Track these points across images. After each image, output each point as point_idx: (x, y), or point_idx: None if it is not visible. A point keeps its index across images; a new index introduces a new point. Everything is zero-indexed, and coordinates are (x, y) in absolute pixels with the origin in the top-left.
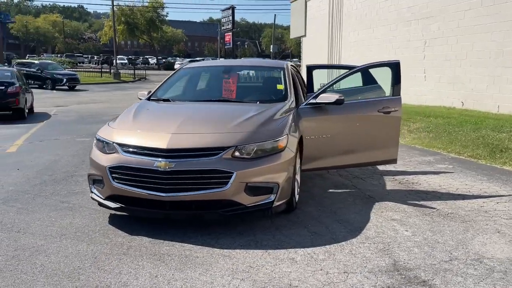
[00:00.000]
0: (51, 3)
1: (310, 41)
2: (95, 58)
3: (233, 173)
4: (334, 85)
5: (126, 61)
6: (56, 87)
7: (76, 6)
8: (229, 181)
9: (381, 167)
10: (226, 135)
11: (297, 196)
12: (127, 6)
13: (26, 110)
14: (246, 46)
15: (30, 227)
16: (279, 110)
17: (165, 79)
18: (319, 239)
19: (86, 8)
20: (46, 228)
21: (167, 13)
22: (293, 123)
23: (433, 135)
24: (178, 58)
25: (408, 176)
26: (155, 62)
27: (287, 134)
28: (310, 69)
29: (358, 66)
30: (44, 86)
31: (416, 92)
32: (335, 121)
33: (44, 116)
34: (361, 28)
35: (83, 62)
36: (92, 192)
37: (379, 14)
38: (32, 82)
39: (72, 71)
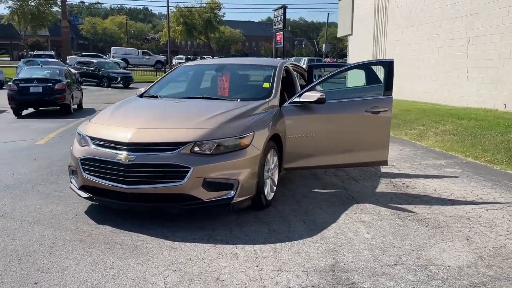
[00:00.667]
0: (119, 6)
1: (356, 40)
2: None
3: (189, 168)
4: (339, 86)
5: (184, 60)
6: (112, 85)
7: (141, 7)
8: (186, 175)
9: (384, 169)
10: (187, 130)
11: (271, 194)
12: (186, 7)
13: (74, 106)
14: (303, 45)
15: (14, 212)
16: (255, 107)
17: (161, 77)
18: (273, 237)
19: (151, 10)
20: (27, 214)
21: (224, 14)
22: (265, 121)
23: (457, 138)
24: (182, 57)
25: (407, 179)
26: None
27: (253, 131)
28: (311, 68)
29: (350, 65)
30: (101, 84)
31: (458, 93)
32: (319, 121)
33: (90, 112)
34: (405, 26)
35: None
36: (71, 182)
37: (424, 11)
38: (90, 80)
39: (127, 70)
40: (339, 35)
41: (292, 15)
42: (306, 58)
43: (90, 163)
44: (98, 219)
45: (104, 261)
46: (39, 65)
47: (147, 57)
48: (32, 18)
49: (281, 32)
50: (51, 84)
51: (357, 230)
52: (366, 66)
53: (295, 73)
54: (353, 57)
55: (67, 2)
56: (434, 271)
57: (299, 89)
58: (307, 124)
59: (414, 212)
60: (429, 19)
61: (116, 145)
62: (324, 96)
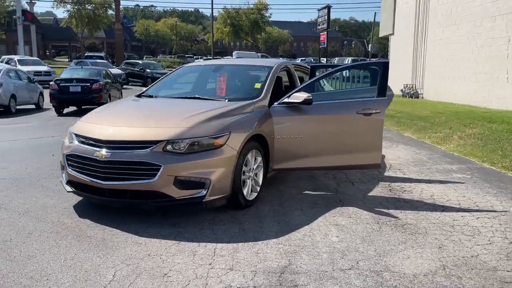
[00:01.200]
0: (171, 8)
1: (397, 39)
2: (203, 59)
3: (161, 166)
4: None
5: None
6: None
7: (192, 10)
8: (157, 173)
9: (388, 173)
10: (162, 129)
11: (254, 194)
12: (233, 8)
13: None
14: (352, 45)
15: (10, 203)
16: (239, 107)
17: (163, 76)
18: (240, 237)
19: (202, 12)
20: (21, 205)
21: (271, 15)
22: (246, 121)
23: (480, 143)
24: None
25: (407, 184)
26: None
27: (229, 132)
28: (313, 68)
29: (344, 65)
30: (146, 84)
31: (497, 95)
32: (309, 122)
33: None
34: (446, 24)
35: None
36: (62, 176)
37: (464, 9)
38: (136, 80)
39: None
40: (381, 34)
41: (342, 15)
42: (350, 59)
43: (73, 159)
44: (81, 213)
45: (68, 252)
46: (87, 65)
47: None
48: (89, 21)
49: (325, 32)
50: (89, 84)
51: (327, 233)
52: (362, 67)
53: (300, 73)
54: (394, 57)
55: (122, 6)
56: (386, 277)
57: (332, 91)
58: (296, 125)
59: (396, 218)
60: (469, 18)
61: (95, 142)
62: (311, 97)
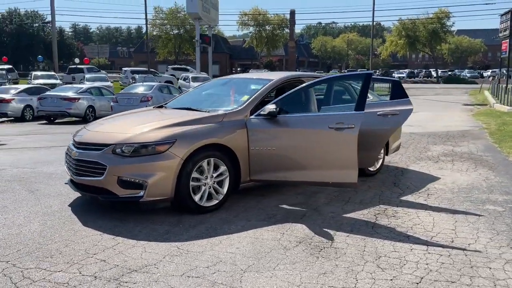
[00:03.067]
0: (352, 23)
1: None
2: (375, 72)
3: (106, 166)
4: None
5: (404, 74)
6: None
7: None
8: (104, 172)
9: (407, 197)
10: (118, 134)
11: (213, 201)
12: (409, 19)
13: None
14: None
15: (5, 198)
16: (205, 118)
17: (196, 87)
18: (142, 235)
19: (383, 25)
20: (19, 203)
21: (453, 23)
22: (200, 131)
23: None
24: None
25: (406, 210)
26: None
27: (175, 140)
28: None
29: (324, 77)
30: None
31: None
32: (280, 135)
33: None
34: None
35: None
36: None
37: None
38: None
39: None
40: None
41: None
42: None
43: (66, 158)
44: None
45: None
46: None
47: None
48: (267, 41)
49: (507, 40)
50: (141, 97)
51: (231, 244)
52: (344, 79)
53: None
54: None
55: (305, 24)
56: None
57: (313, 104)
58: (270, 137)
59: (333, 241)
60: None
61: (74, 143)
62: (274, 110)
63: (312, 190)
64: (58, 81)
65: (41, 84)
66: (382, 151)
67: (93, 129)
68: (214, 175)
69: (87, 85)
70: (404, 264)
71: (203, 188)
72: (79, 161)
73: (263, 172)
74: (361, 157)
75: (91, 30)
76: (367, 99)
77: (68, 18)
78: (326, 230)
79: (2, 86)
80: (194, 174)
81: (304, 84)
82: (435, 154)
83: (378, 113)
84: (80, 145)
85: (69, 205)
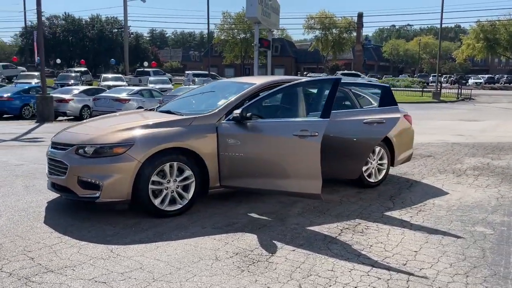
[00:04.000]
0: (429, 26)
1: None
2: (450, 78)
3: (68, 165)
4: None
5: (482, 80)
6: None
7: (453, 25)
8: (66, 172)
9: (394, 211)
10: (82, 135)
11: (177, 206)
12: (488, 21)
13: None
14: None
15: None
16: (174, 121)
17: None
18: (112, 239)
19: (463, 27)
20: (6, 197)
21: None
22: (160, 134)
23: None
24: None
25: (381, 227)
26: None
27: (133, 142)
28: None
29: (292, 82)
30: None
31: None
32: (248, 141)
33: None
34: None
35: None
36: None
37: None
38: None
39: None
40: None
41: None
42: None
43: None
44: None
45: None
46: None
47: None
48: (334, 44)
49: None
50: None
51: (165, 251)
52: (312, 84)
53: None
54: None
55: (377, 26)
56: None
57: (286, 109)
58: (238, 143)
59: (273, 255)
60: None
61: (51, 142)
62: (238, 115)
63: (294, 199)
64: (123, 83)
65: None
66: (386, 161)
67: (69, 129)
68: (178, 179)
69: (139, 87)
70: (330, 286)
71: (164, 192)
72: (50, 160)
73: (233, 179)
74: (345, 167)
75: (166, 35)
76: (370, 106)
77: (146, 24)
78: (275, 242)
79: (65, 87)
80: (155, 178)
81: (273, 90)
82: (464, 167)
83: (364, 121)
84: (53, 145)
85: (49, 202)
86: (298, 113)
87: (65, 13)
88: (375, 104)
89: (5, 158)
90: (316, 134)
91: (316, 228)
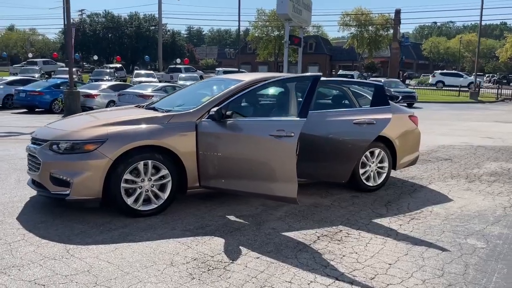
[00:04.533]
0: (473, 23)
1: None
2: (493, 77)
3: (41, 161)
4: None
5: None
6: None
7: (498, 23)
8: (39, 167)
9: (384, 218)
10: (58, 131)
11: (151, 206)
12: None
13: None
14: None
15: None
16: (151, 118)
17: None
18: (75, 239)
19: (509, 24)
20: None
21: None
22: (140, 131)
23: None
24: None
25: (354, 233)
26: None
27: (105, 139)
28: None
29: (270, 79)
30: None
31: None
32: (225, 139)
33: None
34: None
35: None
36: None
37: None
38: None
39: (411, 88)
40: None
41: None
42: None
43: None
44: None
45: None
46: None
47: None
48: (370, 42)
49: None
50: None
51: (121, 253)
52: (289, 81)
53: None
54: None
55: (418, 24)
56: None
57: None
58: (217, 142)
59: (233, 262)
60: None
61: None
62: (214, 113)
63: (280, 202)
64: (155, 80)
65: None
66: (387, 164)
67: (50, 124)
68: (153, 178)
69: (163, 83)
70: None
71: (138, 191)
72: (29, 155)
73: (212, 179)
74: (333, 169)
75: (203, 33)
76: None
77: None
78: (241, 248)
79: (93, 82)
80: (128, 176)
81: (252, 88)
82: (480, 172)
83: (354, 121)
84: (32, 140)
85: (31, 197)
86: (281, 111)
87: (105, 10)
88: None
89: (14, 151)
90: (292, 134)
91: (291, 234)
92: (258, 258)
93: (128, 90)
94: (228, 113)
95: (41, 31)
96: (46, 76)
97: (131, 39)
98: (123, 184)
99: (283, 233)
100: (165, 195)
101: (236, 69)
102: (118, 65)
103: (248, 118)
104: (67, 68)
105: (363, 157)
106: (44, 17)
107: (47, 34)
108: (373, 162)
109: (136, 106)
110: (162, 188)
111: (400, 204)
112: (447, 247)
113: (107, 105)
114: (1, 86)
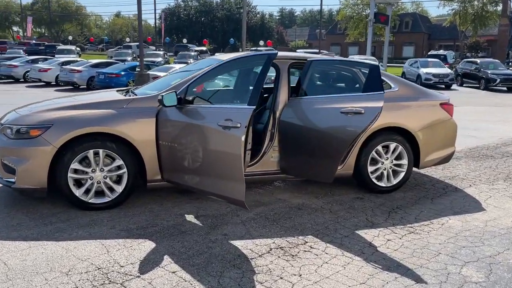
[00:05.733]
0: None
1: None
2: None
3: None
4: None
5: None
6: (490, 87)
7: None
8: None
9: (377, 229)
10: (14, 114)
11: (105, 199)
12: None
13: None
14: None
15: None
16: (110, 102)
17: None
18: (6, 232)
19: None
20: None
21: None
22: (89, 117)
23: None
24: None
25: (322, 246)
26: None
27: (51, 124)
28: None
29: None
30: (480, 86)
31: None
32: (181, 128)
33: None
34: None
35: None
36: None
37: None
38: (470, 81)
39: None
40: None
41: None
42: None
43: None
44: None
45: None
46: None
47: None
48: (474, 19)
49: None
50: None
51: (28, 253)
52: (240, 63)
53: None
54: None
55: None
56: None
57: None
58: (174, 131)
59: (137, 276)
60: None
61: None
62: (161, 97)
63: (260, 202)
64: None
65: None
66: (406, 161)
67: (18, 108)
68: (106, 168)
69: None
70: None
71: (89, 182)
72: None
73: (172, 173)
74: (316, 167)
75: (295, 14)
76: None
77: (275, 3)
78: (166, 257)
79: (167, 65)
80: (76, 166)
81: (210, 68)
82: None
83: (341, 110)
84: None
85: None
86: (237, 97)
87: None
88: (397, 88)
89: None
90: (238, 125)
91: (240, 243)
92: (174, 272)
93: None
94: (190, 98)
95: (144, 16)
96: (138, 59)
97: (222, 23)
98: (70, 174)
99: (231, 241)
100: (119, 188)
101: (316, 50)
102: (204, 48)
103: (203, 105)
104: (156, 52)
105: (373, 152)
106: (147, 3)
107: (148, 19)
108: (387, 158)
109: (119, 90)
110: (118, 180)
111: (408, 212)
112: (426, 277)
113: None
114: (86, 69)
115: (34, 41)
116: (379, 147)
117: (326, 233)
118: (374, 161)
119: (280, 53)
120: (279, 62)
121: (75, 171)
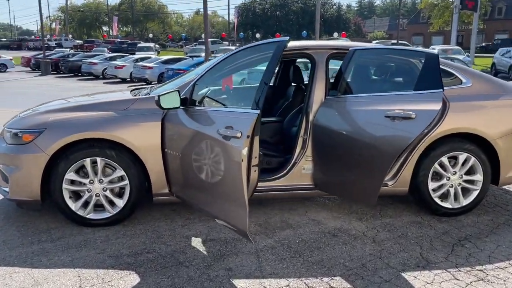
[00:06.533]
0: None
1: None
2: None
3: None
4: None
5: None
6: None
7: None
8: None
9: (416, 272)
10: (18, 117)
11: (105, 214)
12: None
13: None
14: None
15: None
16: (114, 102)
17: None
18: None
19: None
20: None
21: None
22: (85, 120)
23: None
24: None
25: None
26: None
27: (44, 128)
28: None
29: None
30: None
31: None
32: (185, 135)
33: None
34: None
35: None
36: None
37: None
38: None
39: None
40: None
41: None
42: None
43: None
44: None
45: None
46: None
47: None
48: None
49: None
50: None
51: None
52: (250, 53)
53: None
54: None
55: None
56: None
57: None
58: (179, 137)
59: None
60: None
61: None
62: (157, 98)
63: (280, 225)
64: None
65: None
66: (481, 178)
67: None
68: (106, 179)
69: None
70: None
71: (87, 194)
72: None
73: (180, 186)
74: (355, 185)
75: (375, 4)
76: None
77: None
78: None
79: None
80: (72, 176)
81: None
82: None
83: (386, 113)
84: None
85: None
86: (246, 98)
87: None
88: (470, 84)
89: None
90: (239, 135)
91: (245, 284)
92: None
93: None
94: (197, 98)
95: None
96: (213, 55)
97: (297, 16)
98: (66, 186)
99: (233, 280)
100: (121, 202)
101: (394, 41)
102: None
103: (207, 108)
104: (227, 47)
105: (436, 165)
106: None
107: (225, 15)
108: (455, 172)
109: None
110: (120, 192)
111: (480, 246)
112: None
113: None
114: (157, 65)
115: (118, 40)
116: (444, 159)
117: (361, 274)
118: (438, 176)
119: (317, 42)
120: (314, 52)
121: (71, 182)
